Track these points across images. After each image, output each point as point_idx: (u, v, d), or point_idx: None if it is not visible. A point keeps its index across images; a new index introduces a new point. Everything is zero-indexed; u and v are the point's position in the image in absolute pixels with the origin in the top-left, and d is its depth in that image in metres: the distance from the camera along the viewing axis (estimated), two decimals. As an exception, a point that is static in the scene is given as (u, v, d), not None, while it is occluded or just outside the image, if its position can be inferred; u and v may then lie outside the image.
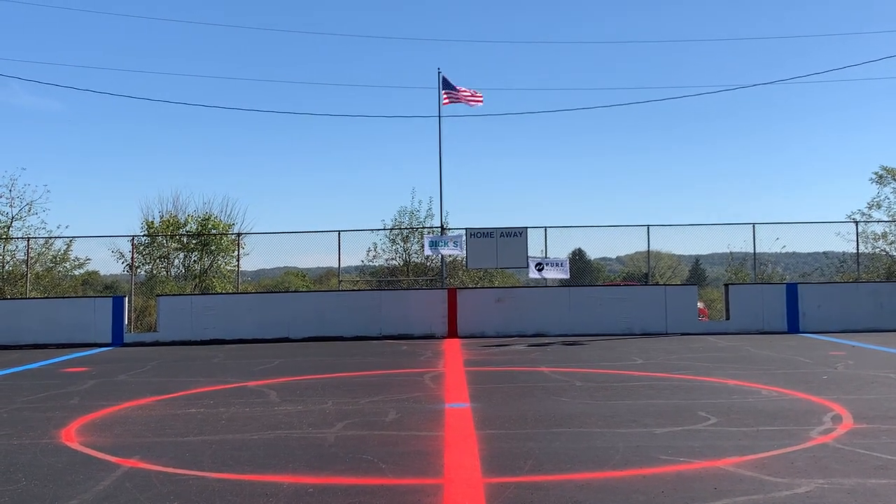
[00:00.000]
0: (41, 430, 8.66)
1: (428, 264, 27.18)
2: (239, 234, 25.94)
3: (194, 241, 27.40)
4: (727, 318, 21.64)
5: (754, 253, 23.61)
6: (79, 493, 5.98)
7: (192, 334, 21.08)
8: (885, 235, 27.37)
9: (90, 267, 28.18)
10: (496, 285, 27.55)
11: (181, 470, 6.64)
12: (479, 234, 22.12)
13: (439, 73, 23.74)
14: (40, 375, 14.19)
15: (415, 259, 27.63)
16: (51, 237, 26.67)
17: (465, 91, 23.66)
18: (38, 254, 26.34)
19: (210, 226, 28.16)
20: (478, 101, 23.88)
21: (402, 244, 27.64)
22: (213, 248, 27.32)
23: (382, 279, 27.22)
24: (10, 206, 27.10)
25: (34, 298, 23.00)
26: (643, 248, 23.72)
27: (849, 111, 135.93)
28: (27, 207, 27.16)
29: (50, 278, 26.52)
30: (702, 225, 23.96)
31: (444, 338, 20.87)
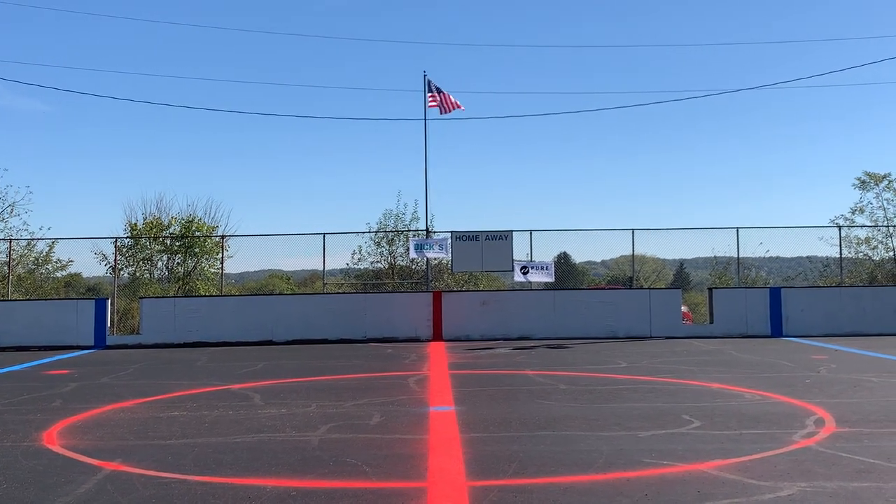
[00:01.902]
0: (22, 432, 8.59)
1: (413, 267, 27.16)
2: (223, 237, 25.82)
3: (178, 244, 27.24)
4: (711, 322, 21.72)
5: (738, 257, 23.72)
6: (60, 496, 5.94)
7: (176, 337, 20.98)
8: (868, 240, 27.56)
9: (73, 269, 28.00)
10: (481, 288, 27.55)
11: (163, 473, 6.60)
12: (464, 238, 22.13)
13: (425, 76, 23.79)
14: (22, 378, 14.09)
15: (400, 262, 27.59)
16: (33, 239, 26.51)
17: (444, 100, 23.65)
18: (21, 256, 26.14)
19: (194, 228, 27.98)
20: (458, 107, 23.91)
21: (387, 247, 27.59)
22: (196, 250, 27.15)
23: (367, 282, 27.17)
24: (-8, 207, 26.91)
25: (16, 300, 22.83)
26: (628, 251, 23.77)
27: (833, 116, 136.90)
28: (9, 209, 27.01)
29: (32, 280, 26.33)
30: (686, 229, 23.93)
31: (428, 341, 20.85)
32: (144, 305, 21.55)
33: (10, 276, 23.94)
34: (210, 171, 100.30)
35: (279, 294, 29.67)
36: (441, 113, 23.79)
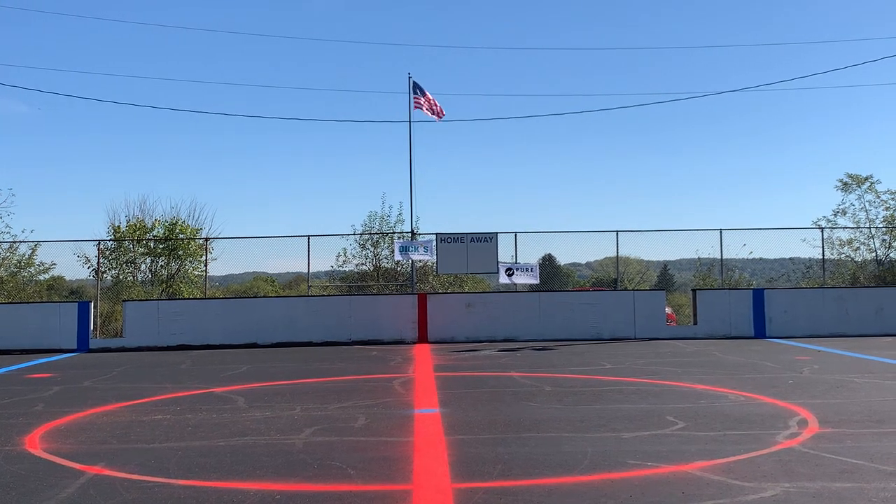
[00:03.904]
0: (4, 436, 8.52)
1: (398, 269, 27.11)
2: (207, 239, 25.69)
3: (161, 246, 27.10)
4: (695, 323, 21.80)
5: (721, 258, 23.83)
6: (42, 500, 5.89)
7: (159, 340, 20.87)
8: (850, 242, 27.71)
9: (56, 272, 27.75)
10: (466, 290, 27.56)
11: (147, 477, 6.56)
12: (449, 240, 22.12)
13: (410, 77, 23.76)
14: (4, 381, 13.98)
15: (385, 264, 27.53)
16: (15, 241, 26.27)
17: (427, 103, 23.63)
18: (3, 258, 25.93)
19: (177, 230, 27.84)
20: (440, 113, 23.94)
21: (372, 249, 27.54)
22: (180, 252, 27.01)
23: (352, 284, 27.12)
24: (-27, 210, 26.65)
25: (-2, 303, 22.64)
26: (612, 253, 23.85)
27: (815, 119, 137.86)
28: (-9, 211, 26.73)
29: (14, 283, 26.09)
30: (670, 230, 24.06)
31: (414, 343, 20.84)
32: (128, 308, 21.43)
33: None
34: (194, 173, 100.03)
35: (264, 297, 29.56)
36: (430, 115, 23.78)
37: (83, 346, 20.67)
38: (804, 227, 27.28)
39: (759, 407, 9.74)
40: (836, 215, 28.64)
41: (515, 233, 22.47)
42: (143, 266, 27.86)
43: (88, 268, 26.57)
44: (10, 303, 23.40)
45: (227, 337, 20.92)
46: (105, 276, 26.58)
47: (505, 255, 22.30)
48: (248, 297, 26.71)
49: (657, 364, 14.90)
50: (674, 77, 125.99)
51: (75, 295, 29.21)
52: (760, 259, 27.09)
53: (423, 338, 21.15)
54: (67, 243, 25.89)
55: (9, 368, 16.24)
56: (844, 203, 28.75)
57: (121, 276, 27.23)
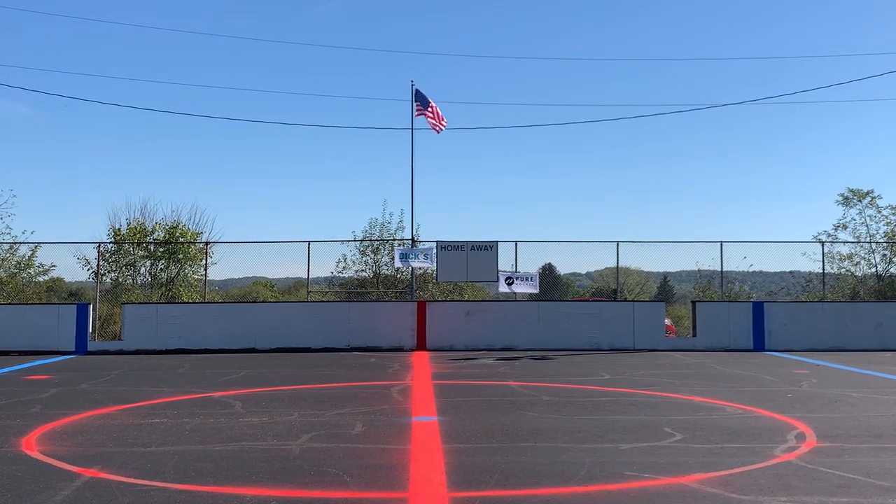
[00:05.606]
0: (1, 438, 8.50)
1: (398, 277, 27.14)
2: (207, 243, 25.71)
3: (161, 249, 27.12)
4: (694, 335, 21.78)
5: (721, 271, 23.82)
6: (38, 502, 5.89)
7: (158, 343, 20.85)
8: (850, 256, 27.74)
9: (55, 273, 27.77)
10: (466, 299, 27.55)
11: (143, 481, 6.55)
12: (449, 248, 22.12)
13: (412, 85, 23.77)
14: (2, 383, 13.97)
15: (385, 271, 27.56)
16: (15, 243, 26.28)
17: (431, 113, 23.57)
18: (3, 259, 25.94)
19: (178, 234, 27.86)
20: (441, 126, 23.91)
21: (372, 256, 27.57)
22: (180, 256, 27.04)
23: (352, 291, 27.11)
24: (-26, 211, 26.65)
25: (-3, 304, 22.62)
26: (612, 264, 23.86)
27: (817, 133, 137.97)
28: (-8, 213, 26.73)
29: (14, 284, 26.09)
30: (670, 242, 24.11)
31: (412, 350, 20.81)
32: (127, 311, 21.41)
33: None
34: (196, 178, 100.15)
35: (263, 301, 29.56)
36: (432, 125, 23.76)
37: (81, 348, 20.65)
38: (805, 240, 27.35)
39: (757, 420, 9.72)
40: (836, 230, 28.72)
41: (516, 241, 22.50)
42: (142, 269, 27.89)
43: (88, 270, 26.61)
44: (10, 304, 23.40)
45: (226, 341, 20.90)
46: (104, 278, 26.58)
47: (505, 263, 22.31)
48: (247, 302, 26.72)
49: (656, 375, 14.88)
50: (676, 88, 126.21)
51: (74, 297, 29.23)
52: (761, 272, 27.14)
53: (421, 345, 21.13)
54: (67, 245, 25.94)
55: (7, 369, 16.23)
56: (845, 217, 28.83)
57: (120, 279, 27.25)
